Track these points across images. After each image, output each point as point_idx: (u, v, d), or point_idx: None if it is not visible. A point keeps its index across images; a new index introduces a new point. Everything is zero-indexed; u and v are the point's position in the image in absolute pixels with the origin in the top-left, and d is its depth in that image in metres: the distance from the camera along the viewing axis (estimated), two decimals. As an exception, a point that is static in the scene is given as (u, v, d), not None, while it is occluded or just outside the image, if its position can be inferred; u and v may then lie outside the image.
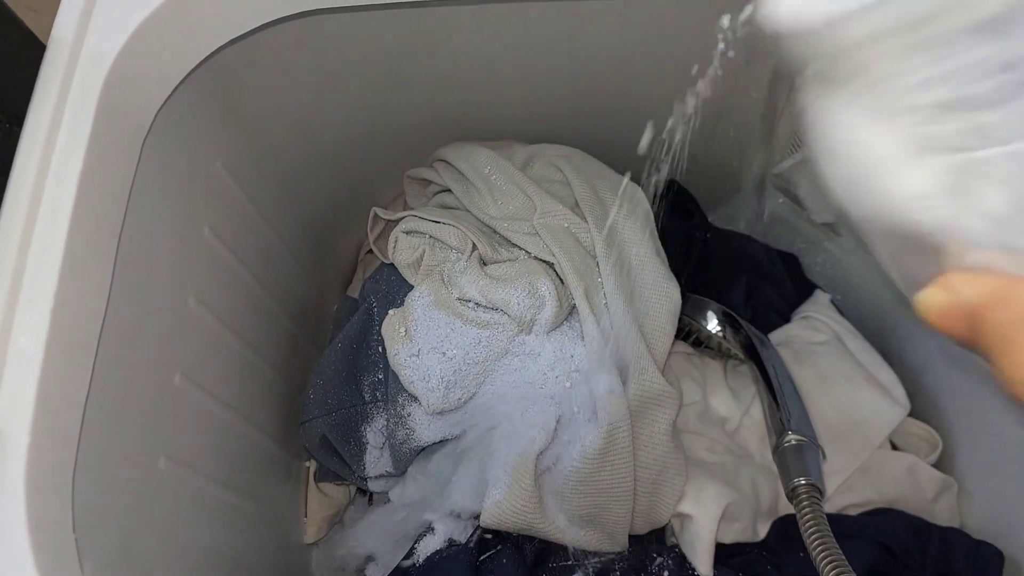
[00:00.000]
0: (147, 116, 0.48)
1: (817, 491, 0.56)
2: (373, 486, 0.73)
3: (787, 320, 0.80)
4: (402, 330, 0.63)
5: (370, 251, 0.82)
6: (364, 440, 0.69)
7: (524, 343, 0.61)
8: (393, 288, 0.70)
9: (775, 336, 0.77)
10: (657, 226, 0.71)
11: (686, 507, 0.60)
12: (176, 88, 0.50)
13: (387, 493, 0.73)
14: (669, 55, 0.73)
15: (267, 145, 0.70)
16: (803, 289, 0.84)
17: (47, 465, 0.40)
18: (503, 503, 0.58)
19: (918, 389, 0.75)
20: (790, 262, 0.87)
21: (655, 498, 0.60)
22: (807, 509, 0.54)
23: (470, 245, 0.65)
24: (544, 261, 0.64)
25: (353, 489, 0.82)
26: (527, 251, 0.65)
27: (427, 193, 0.80)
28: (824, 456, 0.61)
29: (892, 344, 0.82)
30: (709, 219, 0.95)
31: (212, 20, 0.49)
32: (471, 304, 0.62)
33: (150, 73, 0.48)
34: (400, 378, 0.62)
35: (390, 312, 0.65)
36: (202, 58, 0.50)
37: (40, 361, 0.40)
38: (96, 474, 0.45)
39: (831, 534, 0.52)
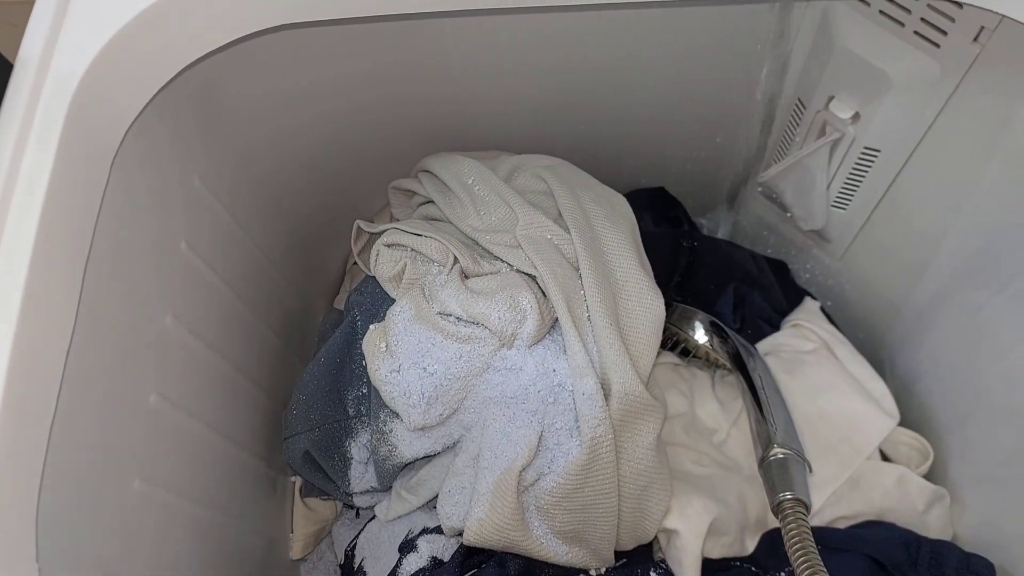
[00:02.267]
0: (116, 135, 0.48)
1: (803, 506, 0.55)
2: (359, 501, 0.72)
3: (776, 328, 0.79)
4: (383, 345, 0.62)
5: (356, 261, 0.81)
6: (348, 455, 0.68)
7: (506, 358, 0.60)
8: (377, 301, 0.69)
9: (764, 344, 0.76)
10: (642, 233, 0.70)
11: (672, 522, 0.59)
12: (147, 104, 0.49)
13: (373, 508, 0.73)
14: (658, 69, 0.73)
15: (247, 158, 0.70)
16: (793, 296, 0.84)
17: (7, 494, 0.40)
18: (485, 520, 0.57)
19: (909, 398, 0.75)
20: (779, 269, 0.86)
21: (640, 513, 0.59)
22: (792, 524, 0.53)
23: (451, 258, 0.64)
24: (526, 274, 0.64)
25: (339, 503, 0.81)
26: (509, 264, 0.65)
27: (412, 204, 0.80)
28: (810, 470, 0.60)
29: (882, 352, 0.81)
30: (696, 226, 0.94)
31: (181, 37, 0.48)
32: (452, 318, 0.61)
33: (119, 92, 0.47)
34: (381, 394, 0.62)
35: (371, 327, 0.64)
36: (172, 75, 0.49)
37: (2, 384, 0.39)
38: (64, 499, 0.44)
39: (816, 550, 0.52)
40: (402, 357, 0.61)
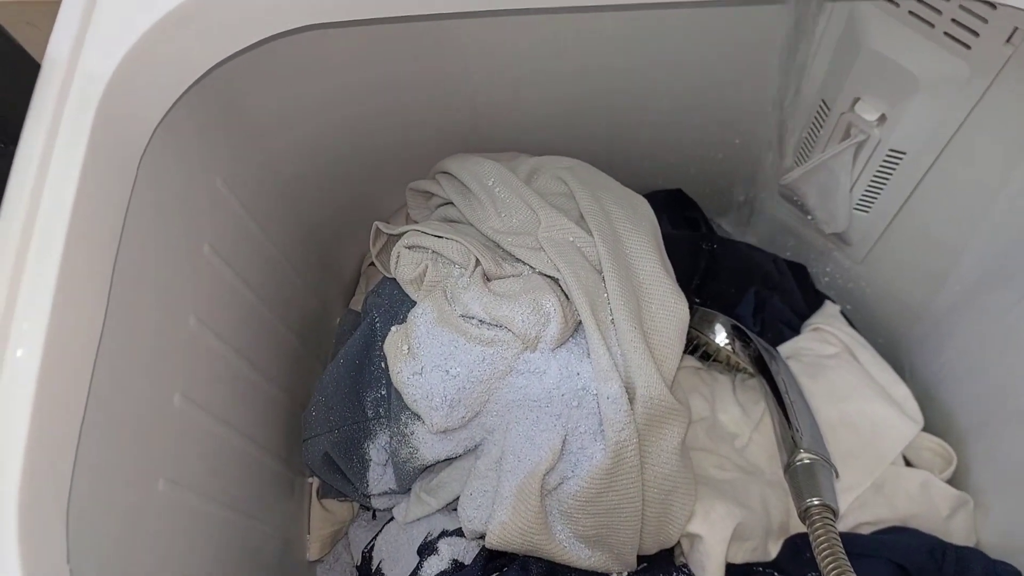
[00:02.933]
0: (143, 135, 0.47)
1: (830, 511, 0.54)
2: (377, 503, 0.72)
3: (797, 331, 0.79)
4: (405, 348, 0.62)
5: (372, 263, 0.81)
6: (367, 457, 0.68)
7: (529, 361, 0.60)
8: (396, 303, 0.69)
9: (784, 348, 0.76)
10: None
11: (696, 527, 0.59)
12: (173, 106, 0.49)
13: (391, 510, 0.73)
14: (676, 71, 0.73)
15: (268, 159, 0.69)
16: (812, 299, 0.83)
17: (40, 495, 0.40)
18: (508, 524, 0.57)
19: (931, 402, 0.74)
20: (799, 272, 0.86)
21: (664, 518, 0.59)
22: (820, 530, 0.53)
23: (473, 260, 0.64)
24: (549, 276, 0.63)
25: (356, 505, 0.81)
26: (531, 266, 0.64)
27: (429, 206, 0.79)
28: (837, 475, 0.60)
29: (903, 355, 0.80)
30: (714, 227, 0.94)
31: (207, 38, 0.48)
32: (475, 321, 0.61)
33: (146, 92, 0.47)
34: (403, 397, 0.61)
35: (392, 329, 0.64)
36: (198, 76, 0.49)
37: (34, 386, 0.39)
38: (92, 501, 0.44)
39: (845, 556, 0.51)
40: (425, 359, 0.60)
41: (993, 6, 0.52)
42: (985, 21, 0.54)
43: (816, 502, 0.55)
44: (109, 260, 0.45)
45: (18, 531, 0.38)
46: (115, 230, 0.45)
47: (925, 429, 0.70)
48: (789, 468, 0.59)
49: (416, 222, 0.80)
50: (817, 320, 0.78)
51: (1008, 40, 0.53)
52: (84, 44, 0.45)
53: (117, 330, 0.47)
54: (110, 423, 0.46)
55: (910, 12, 0.58)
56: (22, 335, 0.40)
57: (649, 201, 0.73)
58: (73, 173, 0.42)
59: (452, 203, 0.74)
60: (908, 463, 0.70)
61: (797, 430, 0.60)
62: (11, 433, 0.39)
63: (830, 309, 0.79)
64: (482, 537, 0.60)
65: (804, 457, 0.58)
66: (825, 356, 0.73)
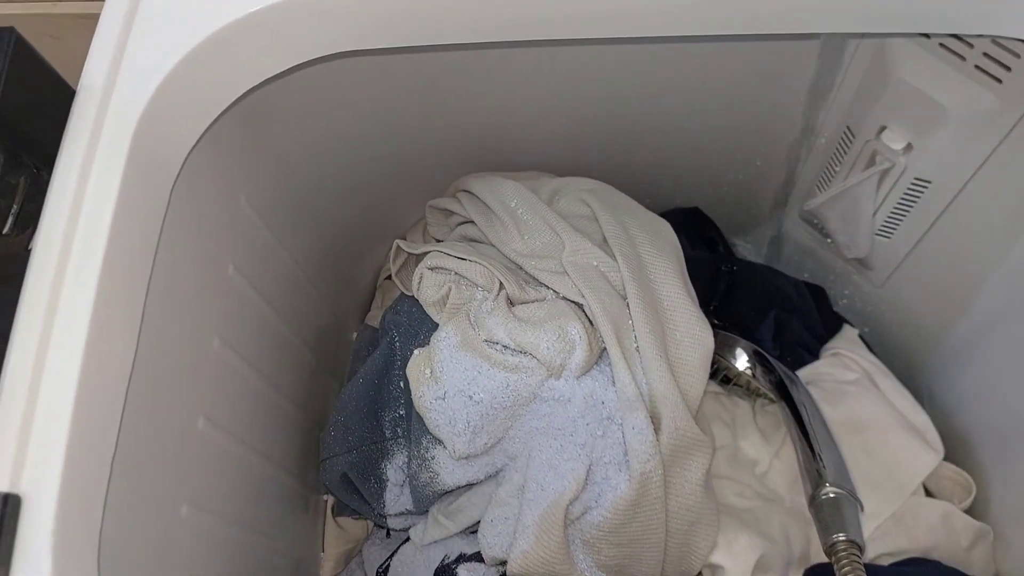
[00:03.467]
0: (177, 161, 0.47)
1: (857, 548, 0.54)
2: (393, 523, 0.72)
3: (815, 355, 0.78)
4: (427, 371, 0.61)
5: (388, 277, 0.80)
6: (384, 477, 0.67)
7: (554, 388, 0.59)
8: (415, 322, 0.69)
9: (803, 373, 0.75)
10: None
11: (718, 558, 0.59)
12: (205, 131, 0.49)
13: (406, 530, 0.72)
14: (697, 98, 0.73)
15: (290, 178, 0.69)
16: (830, 322, 0.83)
17: (75, 524, 0.39)
18: (531, 553, 0.56)
19: (949, 430, 0.74)
20: (817, 294, 0.85)
21: (687, 548, 0.59)
22: (847, 567, 0.52)
23: (497, 284, 0.64)
24: (573, 302, 0.63)
25: (370, 523, 0.80)
26: (555, 291, 0.64)
27: (449, 224, 0.79)
28: (862, 508, 0.59)
29: (921, 381, 0.80)
30: (732, 247, 0.94)
31: (239, 66, 0.48)
32: (499, 346, 0.61)
33: (180, 119, 0.47)
34: (425, 421, 0.61)
35: (415, 352, 0.63)
36: (229, 103, 0.49)
37: (70, 413, 0.39)
38: (121, 529, 0.44)
39: (871, 594, 0.51)
40: (448, 384, 0.60)
41: (1027, 43, 0.51)
42: (1018, 56, 0.54)
43: (843, 538, 0.55)
44: (143, 285, 0.45)
45: (52, 560, 0.38)
46: (149, 255, 0.45)
47: (944, 457, 0.70)
48: (815, 501, 0.59)
49: (436, 239, 0.80)
50: (836, 345, 0.77)
51: (1041, 76, 0.53)
52: (119, 71, 0.45)
53: (146, 355, 0.47)
54: (140, 449, 0.46)
55: (941, 44, 0.58)
56: (58, 361, 0.40)
57: (666, 219, 0.73)
58: (109, 199, 0.42)
59: (472, 222, 0.74)
60: (927, 491, 0.69)
61: (822, 462, 0.60)
62: (48, 459, 0.39)
63: (849, 333, 0.79)
64: (502, 564, 0.60)
65: (830, 491, 0.58)
66: (845, 382, 0.73)
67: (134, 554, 0.45)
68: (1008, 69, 0.55)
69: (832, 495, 0.58)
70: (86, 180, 0.42)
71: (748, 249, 0.96)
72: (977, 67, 0.57)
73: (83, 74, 0.45)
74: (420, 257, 0.71)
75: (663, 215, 0.87)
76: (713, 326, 0.76)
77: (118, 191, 0.42)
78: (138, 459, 0.46)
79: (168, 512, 0.50)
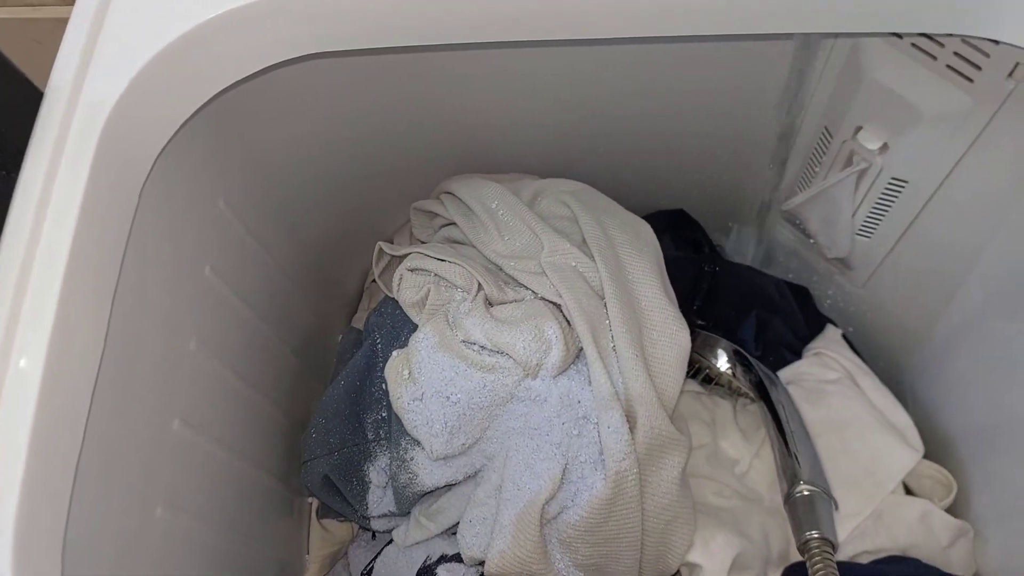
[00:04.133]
0: (146, 162, 0.47)
1: (829, 545, 0.54)
2: (376, 525, 0.72)
3: (798, 354, 0.79)
4: (405, 372, 0.62)
5: (375, 280, 0.81)
6: (367, 479, 0.67)
7: (530, 388, 0.60)
8: (398, 323, 0.69)
9: (786, 373, 0.75)
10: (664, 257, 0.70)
11: (695, 557, 0.59)
12: (176, 132, 0.49)
13: (391, 531, 0.72)
14: (679, 99, 0.73)
15: (270, 180, 0.70)
16: (814, 322, 0.83)
17: (37, 523, 0.39)
18: (508, 553, 0.56)
19: (932, 428, 0.74)
20: (801, 295, 0.85)
21: (663, 547, 0.59)
22: (819, 564, 0.53)
23: (476, 285, 0.64)
24: (551, 302, 0.63)
25: (355, 525, 0.80)
26: (533, 291, 0.64)
27: (433, 225, 0.79)
28: (836, 507, 0.59)
29: (905, 380, 0.80)
30: (717, 248, 0.94)
31: (210, 67, 0.48)
32: (476, 347, 0.61)
33: (149, 120, 0.47)
34: (403, 422, 0.61)
35: (394, 354, 0.64)
36: (200, 105, 0.49)
37: (32, 413, 0.39)
38: (89, 529, 0.44)
39: (844, 591, 0.51)
40: (425, 385, 0.60)
41: (995, 42, 0.52)
42: (987, 56, 0.54)
43: (815, 535, 0.55)
44: (110, 286, 0.45)
45: (13, 560, 0.38)
46: (116, 257, 0.45)
47: (926, 456, 0.70)
48: (789, 499, 0.59)
49: (421, 241, 0.80)
50: (819, 344, 0.78)
51: (1010, 75, 0.54)
52: (88, 72, 0.45)
53: (118, 356, 0.47)
54: (109, 450, 0.46)
55: (913, 44, 0.58)
56: (22, 361, 0.40)
57: (652, 221, 0.73)
58: (75, 200, 0.42)
59: (455, 224, 0.74)
60: (908, 489, 0.69)
61: (797, 460, 0.60)
62: (8, 461, 0.39)
63: (832, 333, 0.79)
64: (481, 564, 0.60)
65: (804, 489, 0.58)
66: (826, 381, 0.73)
67: (102, 554, 0.46)
68: (978, 68, 0.55)
69: (806, 493, 0.58)
70: (52, 181, 0.42)
71: (734, 250, 0.96)
72: (948, 66, 0.57)
73: (51, 75, 0.45)
74: (403, 259, 0.71)
75: (648, 217, 0.87)
76: (696, 326, 0.77)
77: (84, 192, 0.42)
78: (108, 460, 0.46)
79: (141, 513, 0.50)
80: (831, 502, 0.59)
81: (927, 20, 0.52)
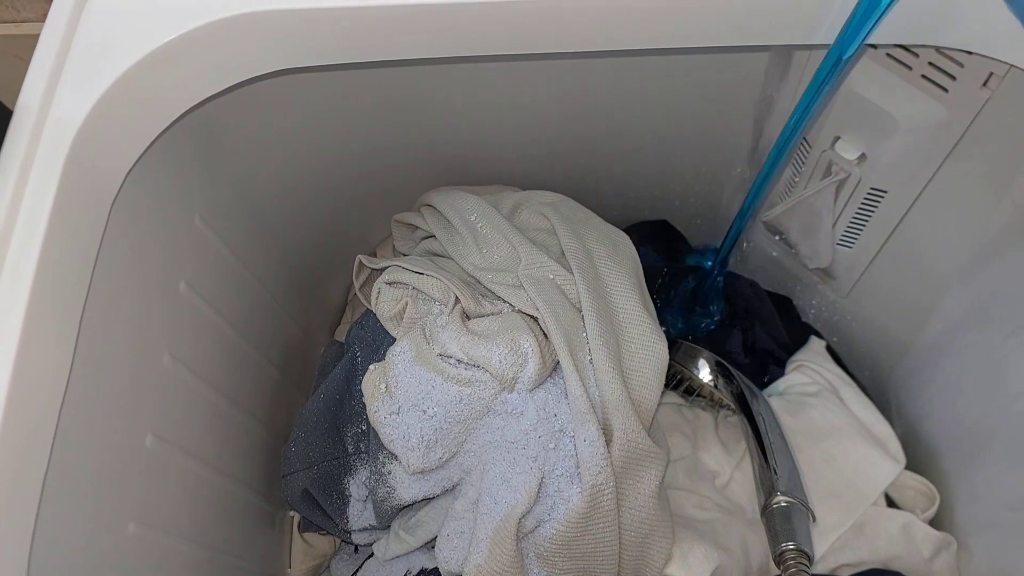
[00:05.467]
0: (115, 180, 0.47)
1: (805, 556, 0.54)
2: (357, 539, 0.71)
3: (781, 362, 0.79)
4: (383, 386, 0.61)
5: (357, 293, 0.80)
6: (347, 493, 0.67)
7: (507, 401, 0.59)
8: (378, 337, 0.69)
9: (771, 388, 0.75)
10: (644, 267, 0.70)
11: (673, 569, 0.59)
12: (148, 149, 0.49)
13: (371, 546, 0.72)
14: (660, 110, 0.73)
15: (248, 193, 0.69)
16: (798, 333, 0.83)
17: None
18: (484, 567, 0.56)
19: (916, 439, 0.74)
20: (784, 305, 0.85)
21: (641, 561, 0.58)
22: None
23: (453, 298, 0.64)
24: (528, 315, 0.63)
25: (338, 539, 0.80)
26: (511, 304, 0.64)
27: (414, 238, 0.79)
28: (814, 519, 0.59)
29: (889, 390, 0.80)
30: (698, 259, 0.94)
31: (179, 85, 0.48)
32: (453, 360, 0.60)
33: (117, 138, 0.47)
34: (380, 436, 0.61)
35: (371, 367, 0.63)
36: (170, 122, 0.49)
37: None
38: (57, 545, 0.44)
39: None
40: (402, 399, 0.60)
41: (968, 52, 0.52)
42: (961, 66, 0.54)
43: (791, 546, 0.54)
44: (78, 303, 0.45)
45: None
46: (85, 274, 0.45)
47: (909, 466, 0.70)
48: (766, 510, 0.59)
49: (402, 253, 0.80)
50: (802, 357, 0.77)
51: (984, 84, 0.54)
52: (56, 91, 0.45)
53: (87, 372, 0.47)
54: (77, 466, 0.46)
55: (888, 55, 0.58)
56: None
57: (634, 232, 0.73)
58: (42, 218, 0.42)
59: (435, 236, 0.74)
60: (891, 501, 0.69)
61: (775, 472, 0.60)
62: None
63: (815, 346, 0.79)
64: (459, 578, 0.59)
65: (781, 500, 0.58)
66: (808, 394, 0.73)
67: (71, 568, 0.45)
68: (953, 78, 0.55)
69: (783, 504, 0.58)
70: (20, 199, 0.42)
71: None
72: (924, 76, 0.57)
73: (20, 94, 0.45)
74: (383, 272, 0.71)
75: (631, 227, 0.88)
76: (687, 339, 0.77)
77: (51, 210, 0.42)
78: (76, 476, 0.46)
79: (112, 530, 0.50)
80: (808, 514, 0.58)
81: (901, 31, 0.52)
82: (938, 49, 0.55)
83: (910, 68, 0.57)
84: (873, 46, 0.58)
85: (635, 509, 0.57)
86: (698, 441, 0.69)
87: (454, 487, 0.62)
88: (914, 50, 0.56)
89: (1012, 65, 0.49)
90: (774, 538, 0.57)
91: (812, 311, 0.86)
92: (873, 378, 0.82)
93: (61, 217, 0.43)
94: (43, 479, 0.42)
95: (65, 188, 0.43)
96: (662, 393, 0.62)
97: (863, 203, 0.68)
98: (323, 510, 0.68)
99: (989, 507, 0.66)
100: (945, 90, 0.56)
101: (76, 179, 0.44)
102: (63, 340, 0.44)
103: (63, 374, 0.44)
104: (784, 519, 0.57)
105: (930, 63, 0.56)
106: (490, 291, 0.66)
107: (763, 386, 0.77)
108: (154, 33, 0.46)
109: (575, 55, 0.58)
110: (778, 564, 0.55)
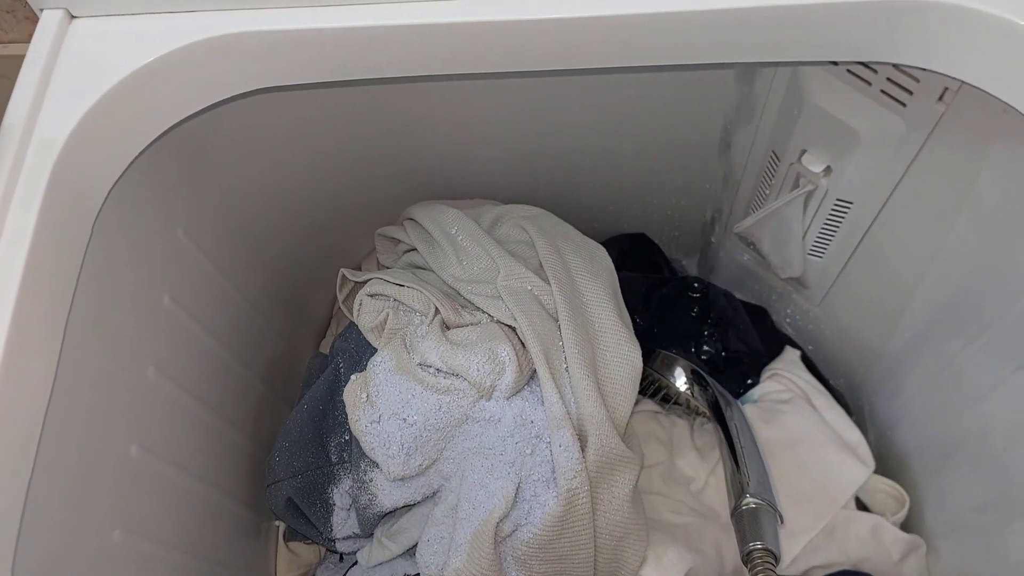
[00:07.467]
0: (98, 197, 0.49)
1: (772, 556, 0.55)
2: (341, 547, 0.73)
3: (756, 371, 0.80)
4: (364, 395, 0.63)
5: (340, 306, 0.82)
6: (331, 502, 0.68)
7: (484, 409, 0.61)
8: (360, 348, 0.70)
9: (747, 396, 0.77)
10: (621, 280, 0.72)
11: (648, 571, 0.60)
12: (130, 165, 0.51)
13: (355, 554, 0.73)
14: (636, 126, 0.75)
15: (232, 207, 0.71)
16: (774, 343, 0.85)
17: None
18: (463, 571, 0.57)
19: (887, 444, 0.75)
20: (759, 315, 0.87)
21: (616, 564, 0.60)
22: (760, 574, 0.54)
23: (433, 309, 0.65)
24: (507, 325, 0.65)
25: (323, 548, 0.81)
26: (489, 315, 0.66)
27: (397, 251, 0.81)
28: (782, 520, 0.61)
29: (863, 396, 0.82)
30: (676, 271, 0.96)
31: (162, 102, 0.50)
32: (432, 370, 0.62)
33: (100, 156, 0.48)
34: (361, 444, 0.62)
35: (352, 377, 0.65)
36: (153, 139, 0.50)
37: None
38: (41, 555, 0.45)
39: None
40: (382, 408, 0.61)
41: (923, 69, 0.54)
42: (917, 81, 0.56)
43: (759, 546, 0.56)
44: (61, 317, 0.46)
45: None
46: (68, 288, 0.47)
47: (881, 471, 0.71)
48: (735, 512, 0.60)
49: (385, 266, 0.81)
50: (776, 366, 0.79)
51: (940, 99, 0.56)
52: (41, 110, 0.47)
53: (71, 384, 0.48)
54: (60, 477, 0.47)
55: (848, 71, 0.60)
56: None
57: (612, 245, 0.75)
58: (26, 234, 0.43)
59: (417, 249, 0.75)
60: (863, 505, 0.71)
61: (745, 475, 0.61)
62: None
63: (790, 355, 0.81)
64: (439, 583, 0.61)
65: (750, 502, 0.59)
66: (781, 401, 0.74)
67: (55, 577, 0.46)
68: (910, 93, 0.57)
69: (752, 506, 0.59)
70: (5, 215, 0.44)
71: (695, 272, 0.98)
72: (883, 91, 0.59)
73: (6, 113, 0.47)
74: (365, 284, 0.72)
75: (610, 240, 0.89)
76: (659, 348, 0.78)
77: (35, 226, 0.43)
78: (61, 486, 0.47)
79: (97, 537, 0.51)
80: (776, 515, 0.60)
81: (857, 49, 0.54)
82: (896, 66, 0.57)
83: (870, 84, 0.59)
84: (834, 63, 0.61)
85: (610, 512, 0.59)
86: (674, 447, 0.71)
87: (434, 493, 0.64)
88: (873, 67, 0.59)
89: (963, 81, 0.51)
90: (742, 538, 0.58)
91: (787, 320, 0.88)
92: (848, 385, 0.83)
93: (44, 233, 0.44)
94: (27, 486, 0.43)
95: (49, 204, 0.45)
96: (636, 400, 0.64)
97: (831, 214, 0.70)
98: (307, 519, 0.69)
99: (955, 510, 0.67)
100: (903, 104, 0.58)
101: (60, 195, 0.45)
102: (47, 352, 0.45)
103: (47, 385, 0.45)
104: (753, 520, 0.58)
105: (888, 79, 0.58)
106: (469, 302, 0.68)
107: (738, 394, 0.79)
108: (136, 54, 0.47)
109: (549, 73, 0.60)
110: (746, 563, 0.57)
